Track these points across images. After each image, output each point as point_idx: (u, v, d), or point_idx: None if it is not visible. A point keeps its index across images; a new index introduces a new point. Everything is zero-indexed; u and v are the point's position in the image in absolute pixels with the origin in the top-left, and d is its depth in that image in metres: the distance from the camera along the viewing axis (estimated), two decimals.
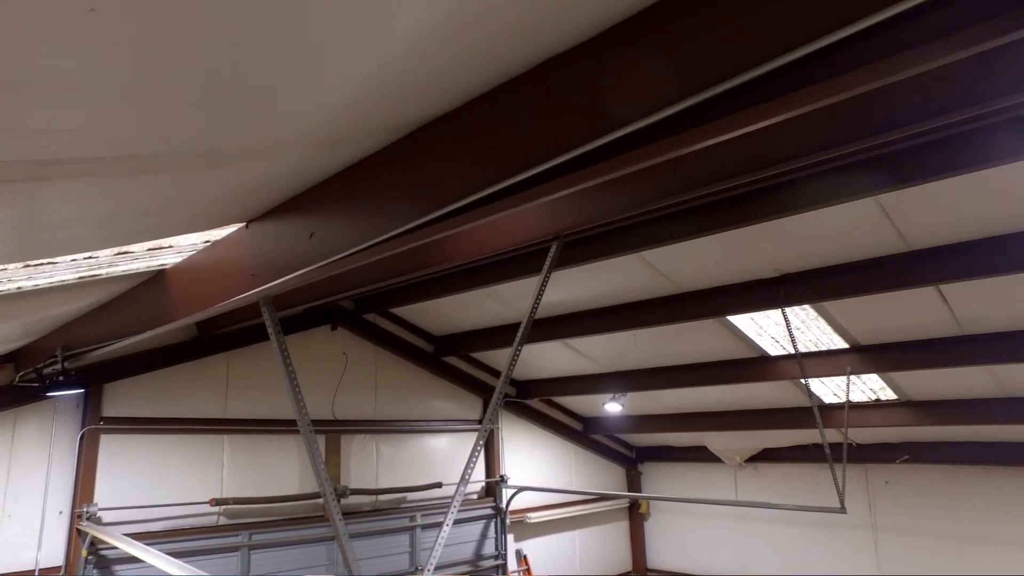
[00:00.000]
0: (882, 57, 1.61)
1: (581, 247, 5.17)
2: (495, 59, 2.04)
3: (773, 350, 7.20)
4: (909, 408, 7.46)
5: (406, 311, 8.45)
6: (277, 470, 7.37)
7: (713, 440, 10.11)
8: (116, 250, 3.25)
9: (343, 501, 7.62)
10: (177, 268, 3.86)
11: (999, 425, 7.13)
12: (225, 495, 6.87)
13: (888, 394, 7.54)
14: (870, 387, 7.60)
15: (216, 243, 3.45)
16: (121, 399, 6.49)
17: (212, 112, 1.94)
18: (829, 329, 6.51)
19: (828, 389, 7.99)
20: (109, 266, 3.64)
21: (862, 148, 3.27)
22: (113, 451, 6.33)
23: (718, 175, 3.13)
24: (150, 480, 6.46)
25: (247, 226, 3.14)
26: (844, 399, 7.10)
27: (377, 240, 2.45)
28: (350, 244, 2.55)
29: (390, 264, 4.30)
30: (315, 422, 6.53)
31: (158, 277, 4.05)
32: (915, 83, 2.52)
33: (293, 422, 4.56)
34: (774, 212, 4.15)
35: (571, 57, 2.05)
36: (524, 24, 1.88)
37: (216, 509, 6.76)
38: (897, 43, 1.66)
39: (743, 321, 6.85)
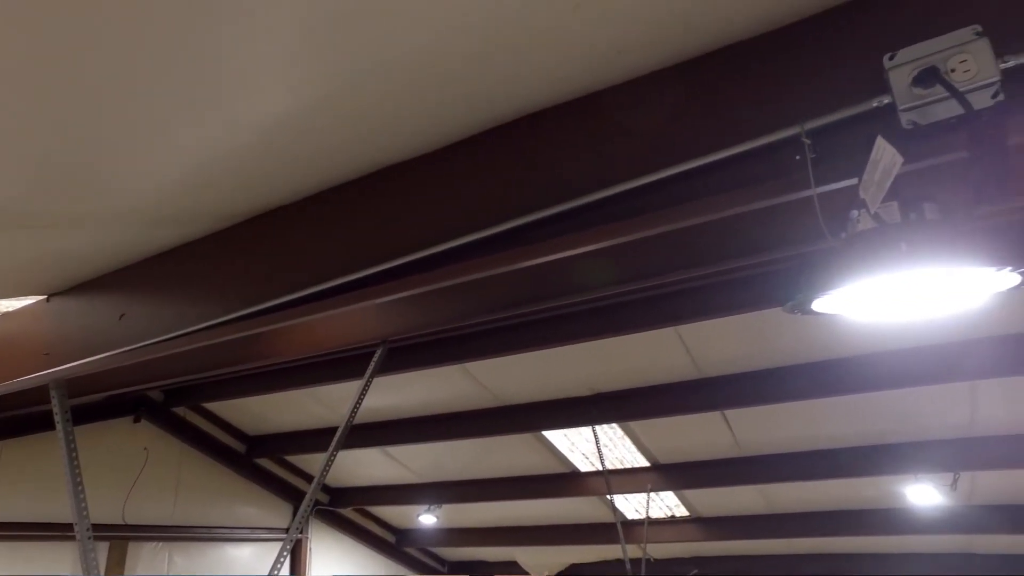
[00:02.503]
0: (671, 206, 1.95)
1: (407, 354, 5.25)
2: (326, 165, 2.19)
3: (583, 466, 7.54)
4: (699, 524, 8.04)
5: (220, 407, 7.97)
6: None
7: (523, 555, 10.17)
8: None
9: None
10: None
11: (767, 540, 7.86)
12: None
13: (682, 511, 8.09)
14: (667, 504, 8.12)
15: (7, 314, 3.21)
16: None
17: (19, 168, 1.88)
18: (633, 448, 6.97)
19: (631, 505, 8.42)
20: None
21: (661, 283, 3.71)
22: None
23: (536, 296, 3.42)
24: None
25: (48, 299, 2.97)
26: (644, 515, 7.51)
27: (192, 329, 2.44)
28: (164, 330, 2.51)
29: (207, 355, 4.14)
30: (100, 527, 5.84)
31: None
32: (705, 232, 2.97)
33: (71, 527, 4.08)
34: (591, 334, 4.48)
35: (400, 171, 2.22)
36: (354, 137, 2.05)
37: None
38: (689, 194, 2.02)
39: (557, 437, 7.16)
